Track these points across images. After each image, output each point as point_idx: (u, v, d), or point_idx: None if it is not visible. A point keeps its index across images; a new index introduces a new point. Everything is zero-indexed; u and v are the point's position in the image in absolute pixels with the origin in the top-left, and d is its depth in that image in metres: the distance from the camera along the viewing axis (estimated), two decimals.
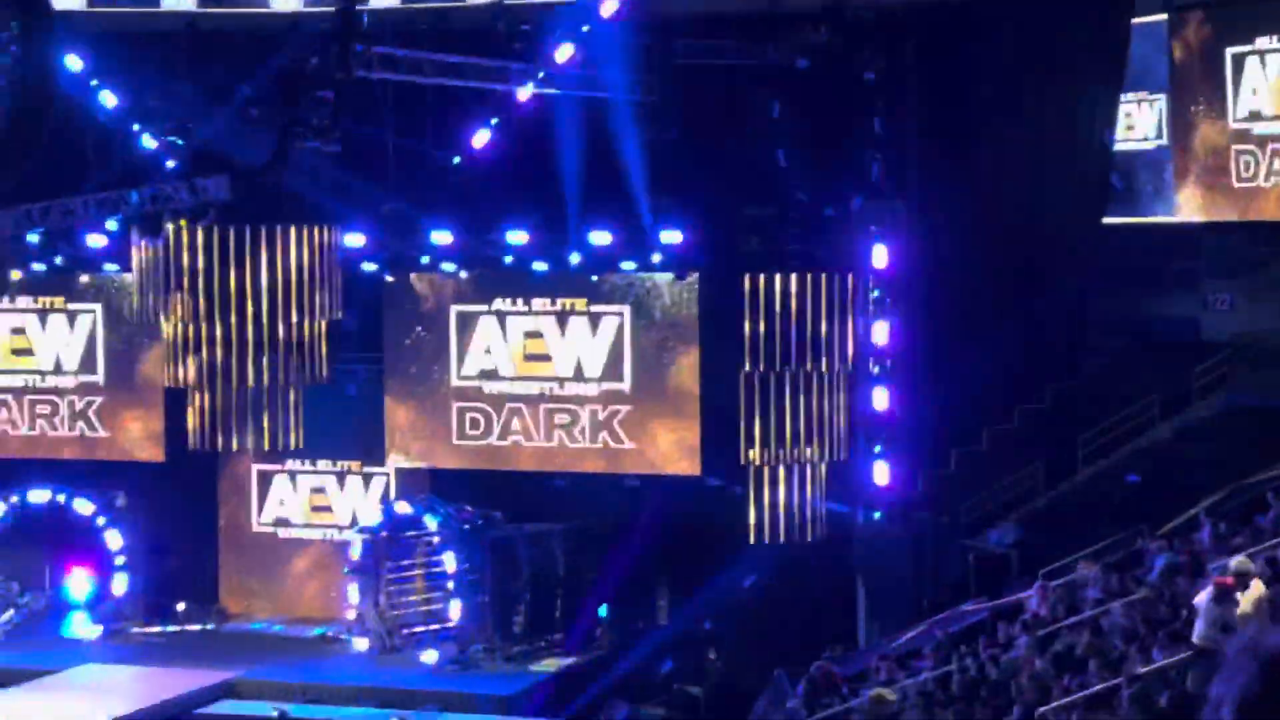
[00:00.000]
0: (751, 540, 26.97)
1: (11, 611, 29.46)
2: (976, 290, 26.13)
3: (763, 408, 26.74)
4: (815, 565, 26.79)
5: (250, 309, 26.72)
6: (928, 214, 26.54)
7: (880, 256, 26.56)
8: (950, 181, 26.18)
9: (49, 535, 29.96)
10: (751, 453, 26.78)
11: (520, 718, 24.40)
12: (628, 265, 27.54)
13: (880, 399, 26.76)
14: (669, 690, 27.10)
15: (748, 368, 26.68)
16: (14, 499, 29.15)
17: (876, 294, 26.74)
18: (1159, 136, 25.82)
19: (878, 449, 26.83)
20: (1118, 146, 26.09)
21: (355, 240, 27.74)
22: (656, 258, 27.25)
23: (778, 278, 26.52)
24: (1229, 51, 24.43)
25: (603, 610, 28.15)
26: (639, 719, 26.45)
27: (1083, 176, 26.32)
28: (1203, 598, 15.91)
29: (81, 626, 29.21)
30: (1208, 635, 15.22)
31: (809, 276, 26.53)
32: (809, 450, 26.84)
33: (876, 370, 26.87)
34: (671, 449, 27.70)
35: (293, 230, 26.88)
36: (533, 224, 27.32)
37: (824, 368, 26.56)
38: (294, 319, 26.98)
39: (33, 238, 26.61)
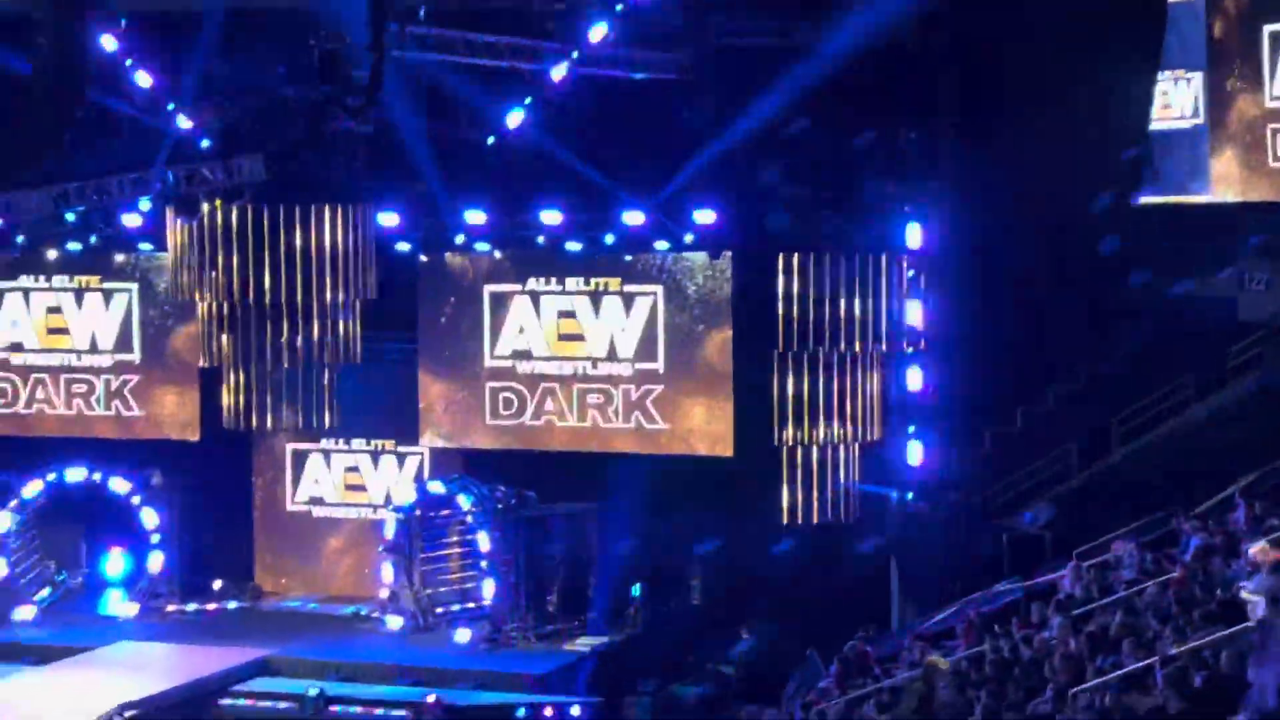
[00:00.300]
0: (784, 521, 27.02)
1: (49, 589, 29.68)
2: (1011, 270, 26.05)
3: (796, 388, 26.76)
4: (849, 545, 26.80)
5: (284, 288, 26.84)
6: (963, 193, 26.46)
7: (915, 236, 26.51)
8: (985, 160, 26.08)
9: (85, 514, 30.16)
10: (784, 433, 26.82)
11: (554, 696, 24.44)
12: (661, 245, 27.52)
13: (914, 379, 26.72)
14: (701, 669, 27.14)
15: (781, 348, 26.69)
16: (51, 477, 29.32)
17: (911, 274, 26.68)
18: (1195, 114, 25.65)
19: (911, 429, 26.80)
20: (1154, 125, 25.94)
21: (389, 220, 27.80)
22: (690, 237, 27.23)
23: (811, 257, 26.52)
24: (1266, 29, 24.27)
25: (636, 589, 28.20)
26: (671, 697, 26.50)
27: (1118, 155, 26.18)
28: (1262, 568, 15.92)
29: (118, 604, 29.40)
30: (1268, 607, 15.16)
31: (843, 256, 26.53)
32: (842, 430, 26.86)
33: (910, 350, 26.83)
34: (704, 429, 27.71)
35: (326, 210, 26.99)
36: (566, 204, 27.32)
37: (857, 348, 26.57)
38: (328, 298, 27.10)
39: (69, 217, 26.69)
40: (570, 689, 24.93)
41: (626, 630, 27.62)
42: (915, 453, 26.65)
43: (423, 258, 28.77)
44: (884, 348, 26.80)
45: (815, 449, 26.75)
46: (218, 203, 26.07)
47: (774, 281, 26.53)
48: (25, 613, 28.92)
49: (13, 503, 29.14)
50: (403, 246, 28.42)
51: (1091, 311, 26.87)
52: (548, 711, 23.87)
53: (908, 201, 26.52)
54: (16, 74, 25.83)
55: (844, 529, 27.08)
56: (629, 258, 27.81)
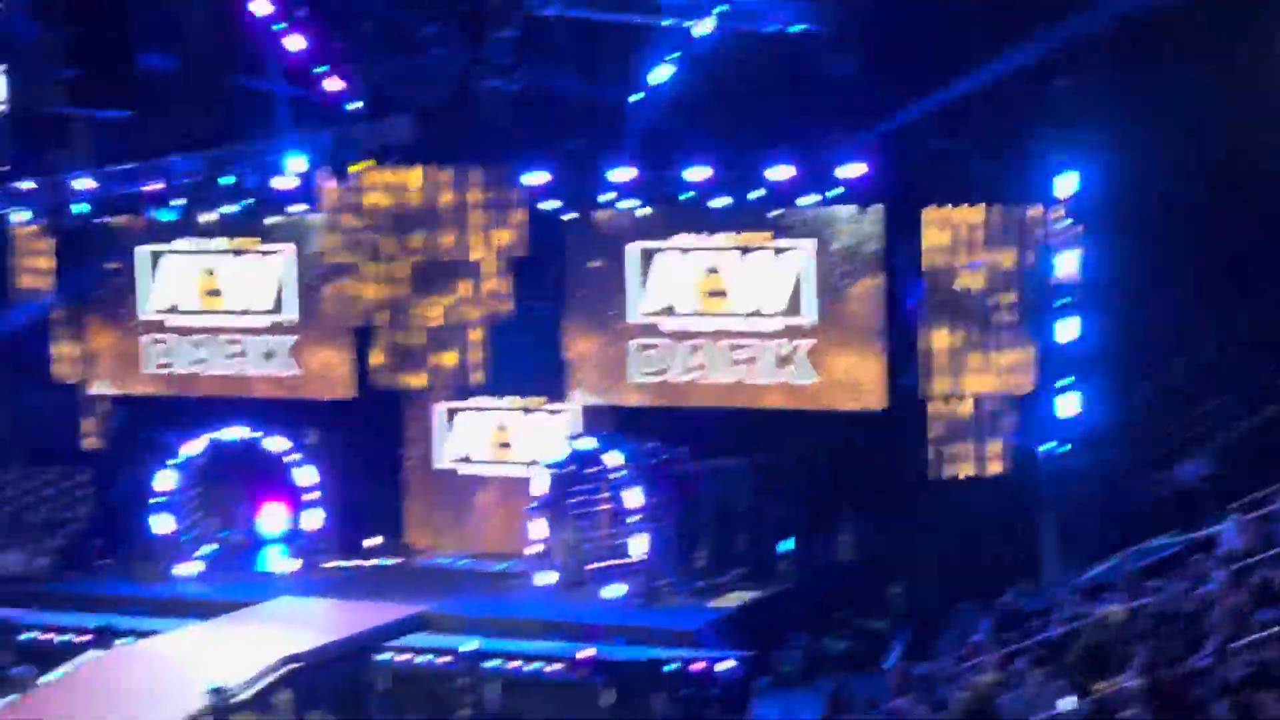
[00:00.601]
0: (934, 475, 26.83)
1: (211, 546, 30.29)
2: (1168, 218, 25.55)
3: (945, 341, 26.52)
4: (1001, 499, 26.55)
5: (435, 247, 27.09)
6: (1117, 140, 25.97)
7: (1067, 184, 26.11)
8: (1141, 105, 25.57)
9: (244, 472, 30.71)
10: (934, 386, 26.61)
11: (704, 651, 24.50)
12: (809, 199, 27.37)
13: (1067, 330, 26.35)
14: (851, 624, 27.07)
15: (930, 300, 26.46)
16: (211, 437, 29.89)
17: (1064, 223, 26.30)
18: None
19: (1064, 381, 26.45)
20: None
21: (536, 178, 27.92)
22: (838, 191, 27.04)
23: (961, 209, 26.25)
24: None
25: (785, 544, 28.18)
26: (821, 652, 26.47)
27: None
28: None
29: (276, 560, 29.96)
30: None
31: (993, 207, 26.23)
32: (994, 383, 26.60)
33: (1062, 301, 26.46)
34: (854, 383, 27.56)
35: (475, 169, 27.18)
36: (713, 160, 27.24)
37: (1009, 299, 26.28)
38: (477, 257, 27.32)
39: (224, 180, 27.15)
40: (720, 644, 24.96)
41: (776, 585, 27.62)
42: (1070, 405, 26.31)
43: (570, 215, 28.87)
44: (1036, 299, 26.49)
45: (967, 402, 26.54)
46: (368, 163, 26.35)
47: (923, 233, 26.32)
48: (188, 569, 29.57)
49: (174, 462, 29.75)
50: (550, 204, 28.54)
51: (1253, 258, 26.29)
52: (698, 666, 23.93)
53: (1061, 150, 26.11)
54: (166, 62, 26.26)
55: (996, 483, 26.82)
56: (776, 212, 27.69)
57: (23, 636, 26.56)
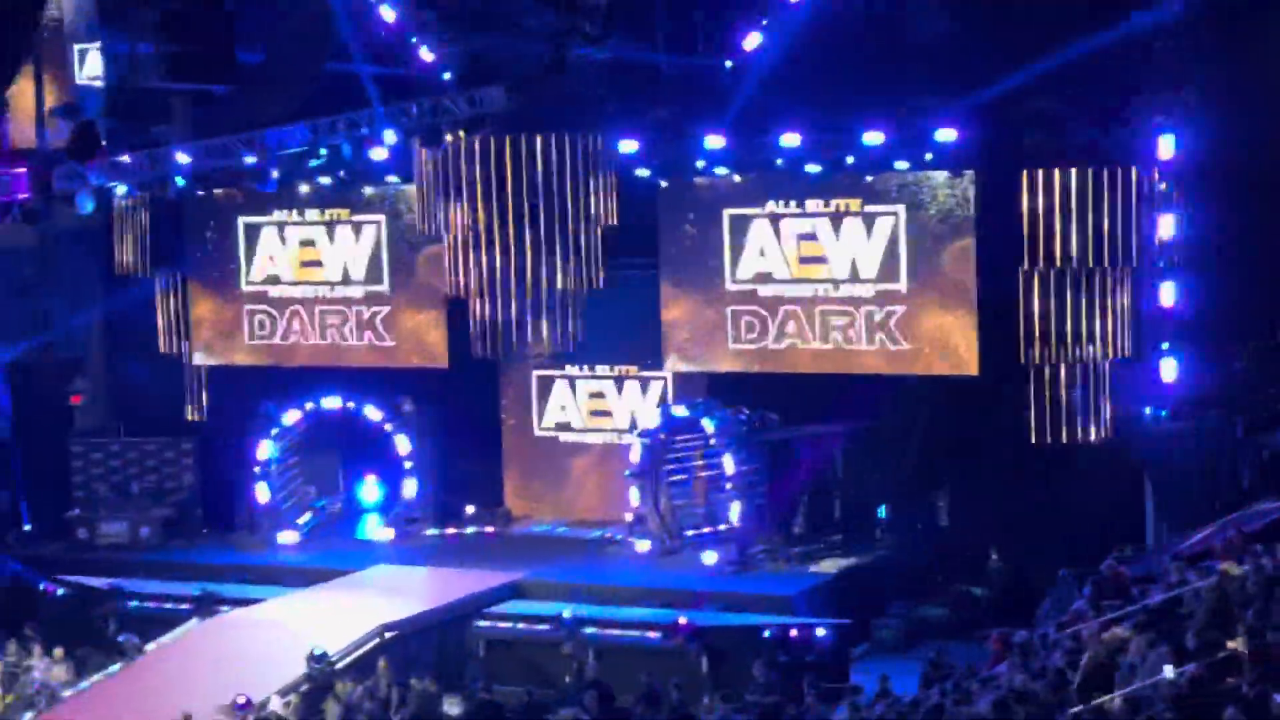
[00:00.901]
0: (1033, 440, 26.66)
1: (309, 514, 30.61)
2: (1267, 181, 25.17)
3: (1043, 305, 26.35)
4: (1101, 465, 26.33)
5: (528, 216, 27.17)
6: (1217, 102, 25.59)
7: (1166, 148, 25.78)
8: (1241, 67, 25.18)
9: (341, 441, 31.04)
10: (1032, 351, 26.43)
11: (800, 618, 24.49)
12: (902, 164, 27.19)
13: (1167, 294, 26.06)
14: (949, 590, 26.96)
15: (1027, 265, 26.28)
16: (309, 407, 30.17)
17: (1163, 186, 25.99)
18: None
19: (1165, 345, 26.16)
20: None
21: (629, 146, 27.90)
22: (931, 156, 26.85)
23: (1057, 172, 26.01)
24: None
25: (882, 511, 28.11)
26: (919, 619, 26.39)
27: None
28: None
29: (374, 529, 30.24)
30: None
31: (1090, 170, 25.97)
32: (1091, 348, 26.39)
33: (1163, 265, 26.18)
34: (949, 348, 27.40)
35: (568, 138, 27.22)
36: (805, 125, 27.10)
37: (1107, 263, 26.04)
38: (570, 226, 27.37)
39: (320, 152, 27.33)
40: (817, 611, 24.95)
41: (873, 552, 27.56)
42: (1169, 369, 26.03)
43: (663, 183, 28.84)
44: (1135, 263, 26.24)
45: (1064, 367, 26.35)
46: (461, 133, 26.43)
47: (1019, 197, 26.10)
48: (288, 537, 29.89)
49: (274, 431, 30.06)
50: (643, 172, 28.51)
51: None
52: (794, 633, 23.92)
53: (1160, 112, 25.77)
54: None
55: (1096, 448, 26.61)
56: (869, 178, 27.54)
57: (128, 605, 26.96)
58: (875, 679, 21.00)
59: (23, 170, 21.46)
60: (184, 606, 26.48)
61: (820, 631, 23.98)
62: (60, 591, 27.34)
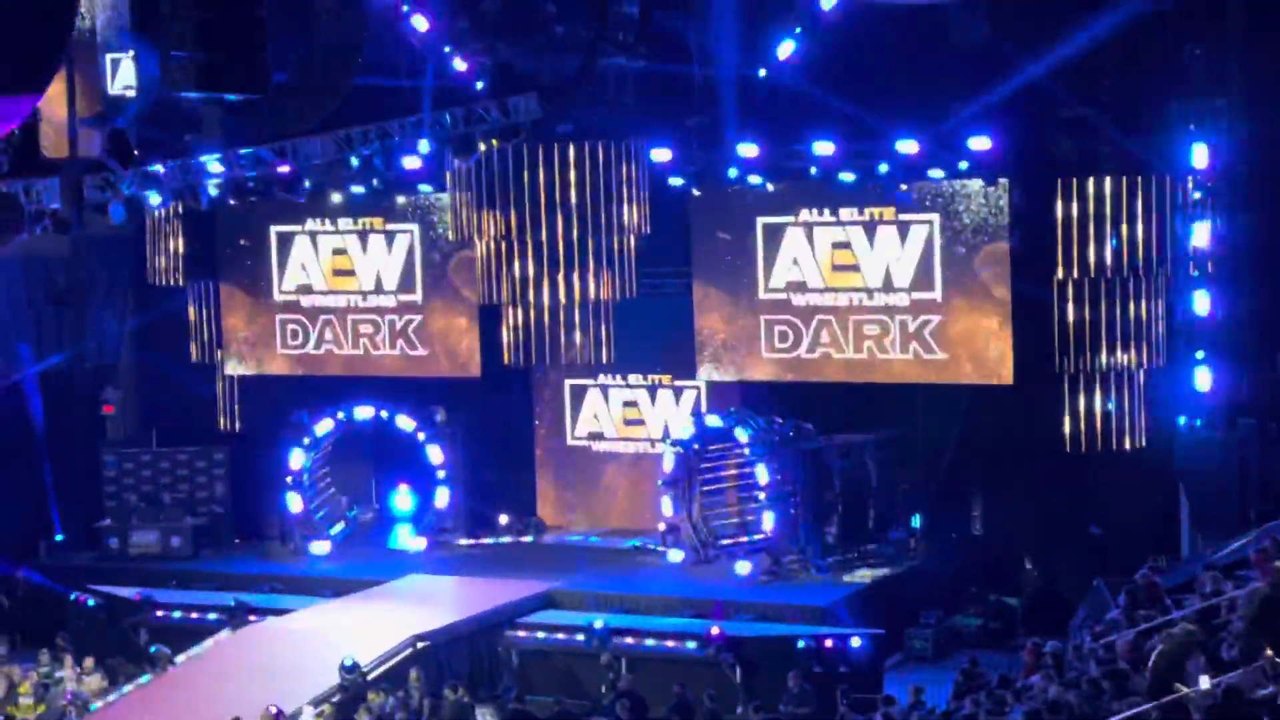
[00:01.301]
0: (1067, 449, 26.53)
1: (341, 524, 30.63)
2: None
3: (1077, 314, 26.25)
4: (1136, 474, 26.18)
5: (561, 225, 27.17)
6: (1251, 111, 25.44)
7: (1201, 156, 25.64)
8: (1276, 77, 25.03)
9: (374, 451, 31.06)
10: (1066, 360, 26.32)
11: (834, 628, 24.40)
12: (936, 173, 27.10)
13: (1201, 302, 25.90)
14: (984, 600, 26.85)
15: (1061, 274, 26.17)
16: (341, 416, 30.18)
17: (1197, 195, 25.85)
18: None
19: (1199, 354, 26.00)
20: None
21: (662, 155, 27.86)
22: (965, 164, 26.75)
23: (1091, 181, 25.90)
24: None
25: (915, 520, 27.99)
26: (952, 628, 26.28)
27: None
28: None
29: (407, 538, 30.21)
30: None
31: (1125, 179, 25.86)
32: (1125, 357, 26.25)
33: (1197, 273, 26.03)
34: (983, 357, 27.29)
35: (601, 147, 27.20)
36: (839, 134, 27.03)
37: (1141, 271, 25.94)
38: (603, 234, 27.35)
39: (352, 161, 27.32)
40: (851, 621, 24.84)
41: (907, 561, 27.45)
42: (1204, 378, 25.86)
43: (696, 192, 28.80)
44: (1169, 271, 26.11)
45: (1099, 376, 26.22)
46: (494, 142, 26.42)
47: (1053, 206, 26.00)
48: (320, 547, 29.91)
49: (306, 440, 30.09)
50: (676, 181, 28.47)
51: None
52: (828, 643, 23.83)
53: (1193, 121, 25.63)
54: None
55: (1131, 457, 26.46)
56: (903, 187, 27.45)
57: (160, 615, 27.00)
58: (909, 689, 20.89)
59: (55, 180, 21.50)
60: (215, 617, 26.48)
61: (854, 641, 23.87)
62: (91, 602, 27.38)
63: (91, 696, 23.55)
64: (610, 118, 27.24)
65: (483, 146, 26.70)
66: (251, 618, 26.24)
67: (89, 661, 24.30)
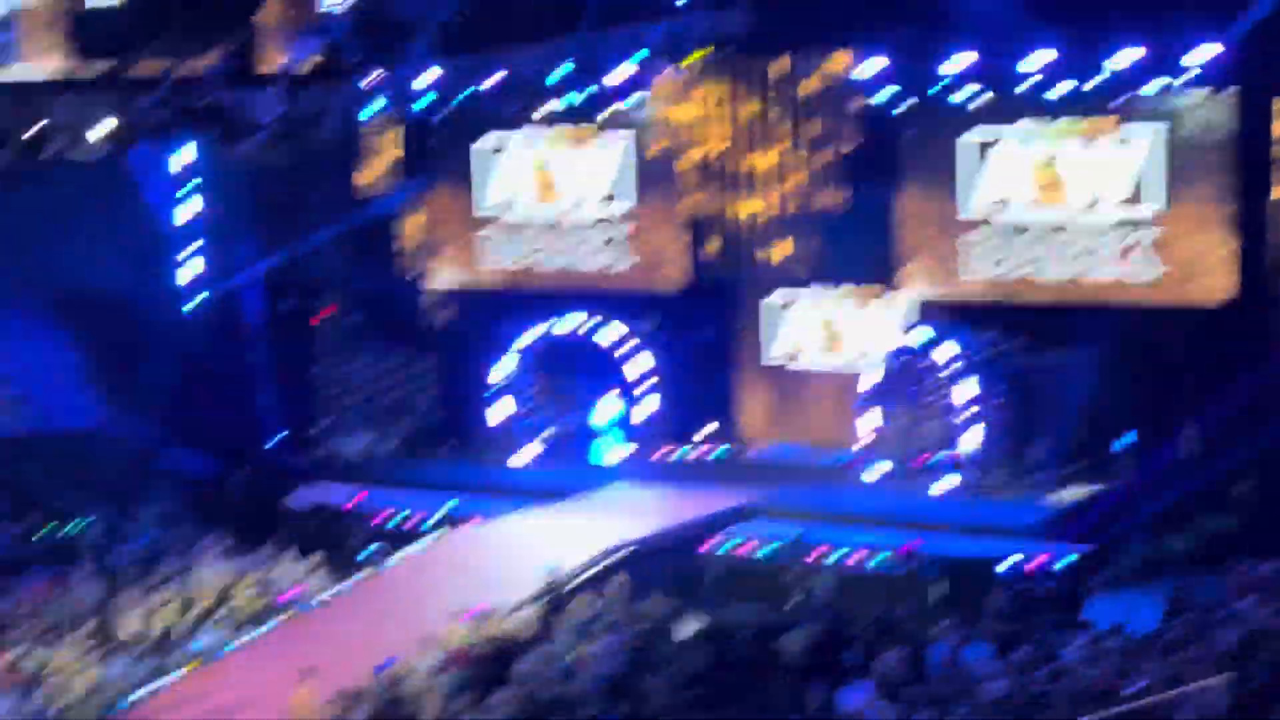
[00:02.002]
0: None
1: (548, 433, 30.94)
2: None
3: None
4: None
5: (769, 138, 26.99)
6: None
7: None
8: None
9: (579, 362, 31.26)
10: None
11: (1037, 546, 24.09)
12: (1157, 83, 26.29)
13: None
14: (1192, 521, 26.26)
15: (1276, 192, 25.33)
16: (548, 326, 30.44)
17: None
18: None
19: None
20: None
21: (871, 67, 27.46)
22: (1189, 75, 25.90)
23: None
24: None
25: (1126, 439, 27.44)
26: (1161, 550, 25.78)
27: None
28: None
29: (611, 448, 30.46)
30: None
31: None
32: None
33: None
34: (1203, 276, 26.55)
35: (809, 58, 26.92)
36: (1056, 42, 26.36)
37: None
38: (811, 146, 27.13)
39: (565, 69, 27.40)
40: (1054, 540, 24.51)
41: (1115, 481, 26.95)
42: None
43: (904, 105, 28.35)
44: None
45: None
46: (704, 52, 26.32)
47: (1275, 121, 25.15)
48: (526, 455, 30.29)
49: (513, 350, 30.41)
50: (884, 94, 28.05)
51: None
52: (1031, 562, 23.55)
53: None
54: None
55: None
56: (1121, 98, 26.69)
57: (372, 517, 27.64)
58: (1113, 611, 20.58)
59: (270, 92, 21.98)
60: (425, 520, 27.02)
61: (1058, 562, 23.55)
62: (306, 505, 28.12)
63: (307, 594, 24.23)
64: (819, 29, 26.91)
65: (692, 57, 26.61)
66: (460, 522, 26.71)
67: (305, 562, 24.98)
